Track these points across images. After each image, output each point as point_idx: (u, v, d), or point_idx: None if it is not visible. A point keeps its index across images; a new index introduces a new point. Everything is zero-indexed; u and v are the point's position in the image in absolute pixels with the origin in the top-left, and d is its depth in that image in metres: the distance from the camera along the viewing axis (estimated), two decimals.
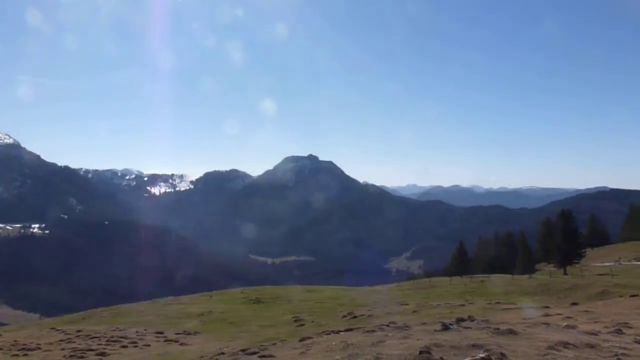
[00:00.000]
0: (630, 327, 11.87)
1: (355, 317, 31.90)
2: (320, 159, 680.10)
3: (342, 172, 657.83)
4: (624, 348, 7.42)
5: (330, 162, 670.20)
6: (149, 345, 24.38)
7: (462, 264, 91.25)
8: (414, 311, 31.26)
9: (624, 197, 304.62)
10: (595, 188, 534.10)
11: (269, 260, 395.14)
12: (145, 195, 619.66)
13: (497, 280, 58.48)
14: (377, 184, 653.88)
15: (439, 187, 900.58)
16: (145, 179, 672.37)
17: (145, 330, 30.49)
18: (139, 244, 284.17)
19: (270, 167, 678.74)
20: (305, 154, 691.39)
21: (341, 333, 14.50)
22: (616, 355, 6.65)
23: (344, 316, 32.99)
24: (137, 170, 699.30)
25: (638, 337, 9.09)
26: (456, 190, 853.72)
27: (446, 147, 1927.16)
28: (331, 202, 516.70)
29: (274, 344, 15.57)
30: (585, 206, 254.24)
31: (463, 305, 33.31)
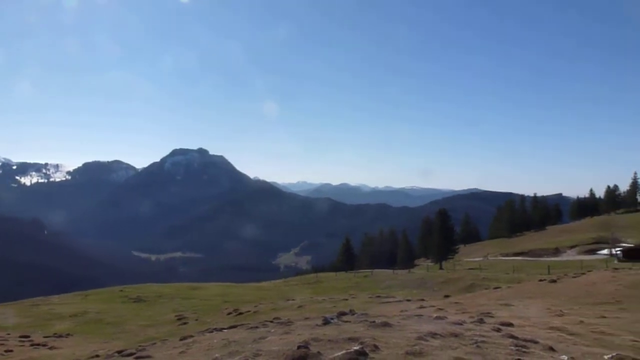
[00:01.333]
0: (491, 317, 13.03)
1: (240, 313, 31.66)
2: (211, 152, 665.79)
3: (233, 167, 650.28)
4: (483, 336, 8.12)
5: (221, 157, 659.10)
6: (11, 351, 22.19)
7: (348, 260, 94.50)
8: (299, 306, 31.69)
9: (492, 198, 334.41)
10: (468, 190, 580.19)
11: (153, 257, 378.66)
12: (14, 185, 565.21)
13: (380, 275, 61.36)
14: (268, 180, 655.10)
15: (328, 185, 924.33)
16: (14, 167, 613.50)
17: (8, 334, 27.70)
18: (4, 239, 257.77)
19: (157, 159, 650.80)
20: (195, 147, 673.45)
21: (224, 330, 14.28)
22: (476, 342, 7.24)
23: (229, 313, 32.61)
24: (4, 158, 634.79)
25: (496, 326, 10.01)
26: (345, 188, 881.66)
27: (335, 146, 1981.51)
28: (220, 197, 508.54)
29: (154, 344, 14.94)
30: (460, 206, 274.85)
31: (346, 299, 34.43)
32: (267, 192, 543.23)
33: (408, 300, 29.85)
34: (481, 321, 10.91)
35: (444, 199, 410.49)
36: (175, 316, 33.28)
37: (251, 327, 12.84)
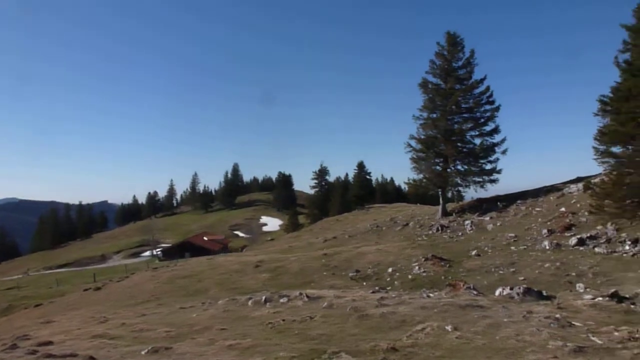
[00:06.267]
0: (28, 339, 11.81)
1: None
2: None
3: None
4: None
5: None
6: None
7: None
8: None
9: (34, 208, 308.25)
10: (4, 199, 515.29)
11: None
12: None
13: None
14: None
15: None
16: None
17: None
18: None
19: None
20: None
21: None
22: None
23: None
24: None
25: (32, 348, 9.15)
26: None
27: None
28: None
29: None
30: None
31: None
32: None
33: None
34: (14, 347, 9.71)
35: None
36: None
37: None
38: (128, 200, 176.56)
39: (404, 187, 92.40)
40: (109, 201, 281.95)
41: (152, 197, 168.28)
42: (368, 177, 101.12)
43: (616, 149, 21.41)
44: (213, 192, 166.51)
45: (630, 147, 20.64)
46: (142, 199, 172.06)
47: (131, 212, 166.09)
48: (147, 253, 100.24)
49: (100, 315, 17.40)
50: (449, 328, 8.38)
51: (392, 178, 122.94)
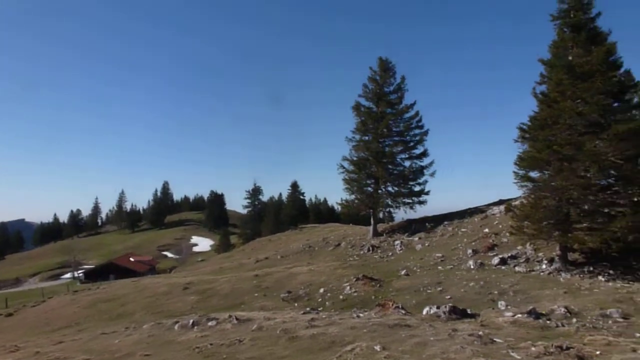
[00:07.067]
0: None
1: None
2: None
3: None
4: None
5: None
6: None
7: None
8: None
9: None
10: None
11: None
12: None
13: None
14: None
15: None
16: None
17: None
18: None
19: None
20: None
21: None
22: None
23: None
24: None
25: None
26: None
27: None
28: None
29: None
30: None
31: None
32: None
33: None
34: None
35: None
36: None
37: None
38: (48, 218, 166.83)
39: (337, 207, 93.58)
40: (27, 219, 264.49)
41: (74, 216, 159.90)
42: (302, 197, 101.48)
43: (534, 174, 22.70)
44: (141, 210, 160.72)
45: (546, 172, 21.97)
46: (63, 218, 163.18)
47: (51, 232, 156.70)
48: (68, 275, 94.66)
49: (10, 344, 16.19)
50: (377, 348, 8.45)
51: (325, 198, 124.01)
